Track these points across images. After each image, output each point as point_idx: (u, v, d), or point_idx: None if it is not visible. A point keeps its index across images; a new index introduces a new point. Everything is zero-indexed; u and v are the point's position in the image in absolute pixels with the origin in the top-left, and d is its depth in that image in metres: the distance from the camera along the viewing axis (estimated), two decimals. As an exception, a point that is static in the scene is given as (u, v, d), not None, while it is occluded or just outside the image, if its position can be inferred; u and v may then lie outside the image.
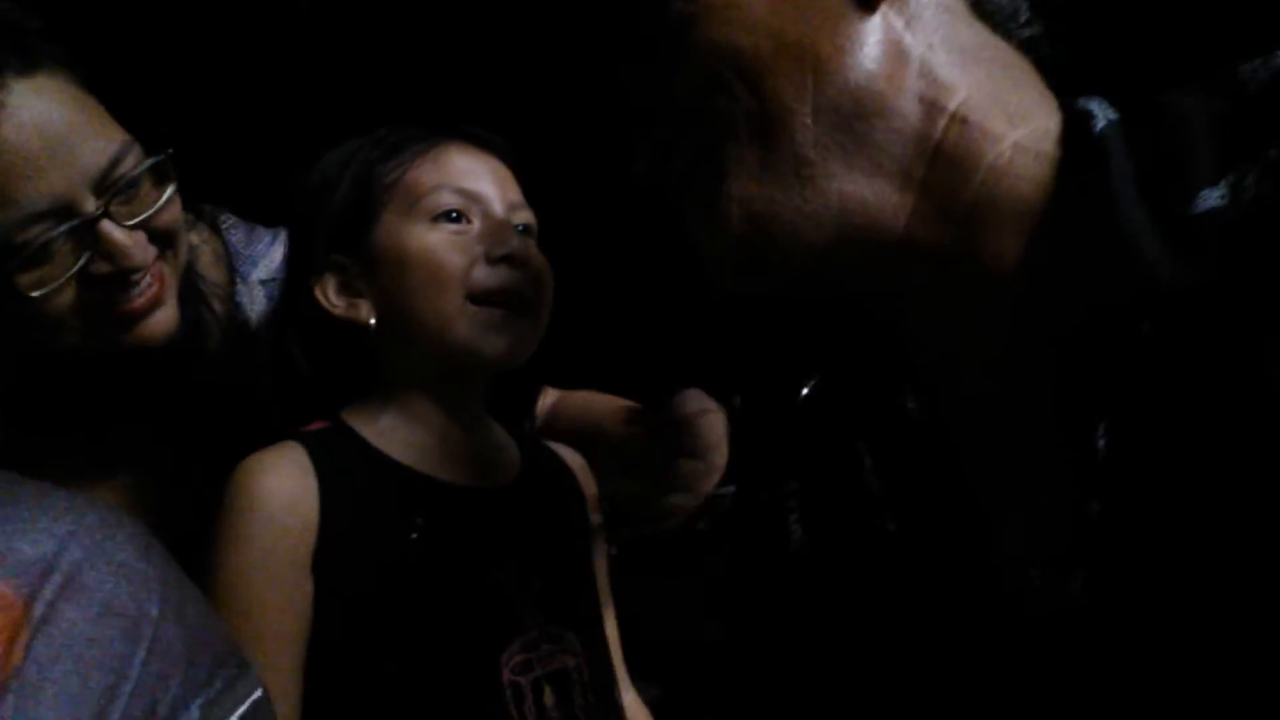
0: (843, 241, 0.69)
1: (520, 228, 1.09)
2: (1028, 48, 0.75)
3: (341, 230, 1.05)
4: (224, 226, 1.30)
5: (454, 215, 1.04)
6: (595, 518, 1.17)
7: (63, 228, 0.96)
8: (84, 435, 1.14)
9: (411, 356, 1.04)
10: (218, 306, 1.24)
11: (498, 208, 1.06)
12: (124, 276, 1.00)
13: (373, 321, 1.03)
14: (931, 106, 0.68)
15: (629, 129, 0.77)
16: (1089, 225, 0.62)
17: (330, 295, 1.05)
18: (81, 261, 0.97)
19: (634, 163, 0.77)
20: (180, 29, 2.54)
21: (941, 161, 0.68)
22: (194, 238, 1.20)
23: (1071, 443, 0.63)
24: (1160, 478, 0.59)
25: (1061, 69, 0.76)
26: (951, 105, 0.68)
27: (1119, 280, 0.60)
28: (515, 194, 1.10)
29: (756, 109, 0.69)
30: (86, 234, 0.97)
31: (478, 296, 1.02)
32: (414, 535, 0.97)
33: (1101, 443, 0.61)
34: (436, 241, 1.02)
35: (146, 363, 1.09)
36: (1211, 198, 0.58)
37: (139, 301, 1.02)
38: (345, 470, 0.98)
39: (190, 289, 1.15)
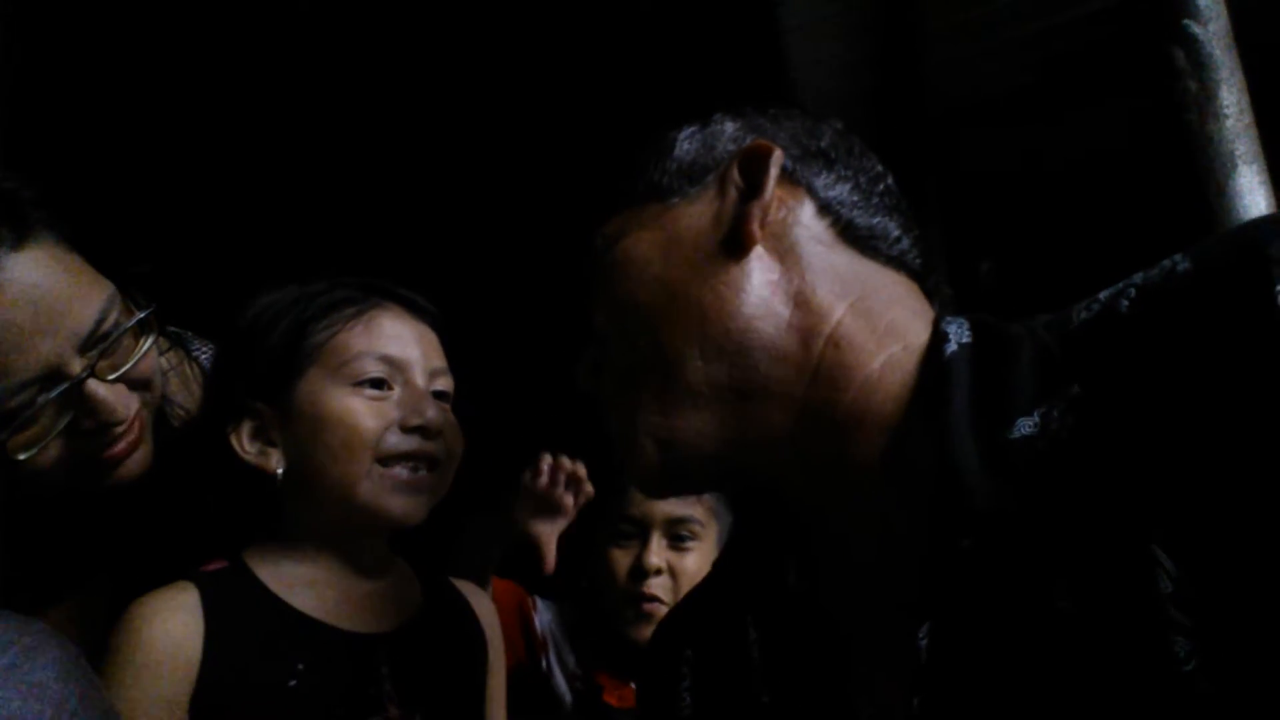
0: (739, 452, 0.78)
1: (438, 393, 1.14)
2: (899, 263, 0.82)
3: (265, 380, 1.10)
4: (203, 354, 1.34)
5: (376, 382, 1.10)
6: (492, 654, 1.21)
7: (51, 393, 0.99)
8: (45, 560, 1.17)
9: (315, 508, 1.10)
10: (182, 429, 1.25)
11: (419, 376, 1.12)
12: (107, 429, 1.04)
13: (280, 471, 1.09)
14: (809, 335, 0.76)
15: (580, 342, 0.88)
16: (931, 442, 0.70)
17: (244, 440, 1.10)
18: (66, 420, 1.01)
19: (575, 372, 0.88)
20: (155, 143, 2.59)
21: (820, 381, 0.76)
22: (163, 362, 1.21)
23: (905, 639, 0.69)
24: (971, 683, 0.65)
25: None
26: (827, 330, 0.76)
27: (946, 495, 0.67)
28: (438, 360, 1.16)
29: (654, 353, 0.78)
30: (73, 394, 1.01)
31: (386, 459, 1.08)
32: (292, 682, 1.02)
33: (923, 643, 0.67)
34: (355, 406, 1.08)
35: (113, 495, 1.12)
36: (1025, 426, 0.66)
37: (119, 447, 1.06)
38: (235, 613, 1.03)
39: (158, 417, 1.18)
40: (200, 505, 1.15)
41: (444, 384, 1.16)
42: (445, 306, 1.20)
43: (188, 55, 2.61)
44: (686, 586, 1.58)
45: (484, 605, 1.23)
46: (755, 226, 0.78)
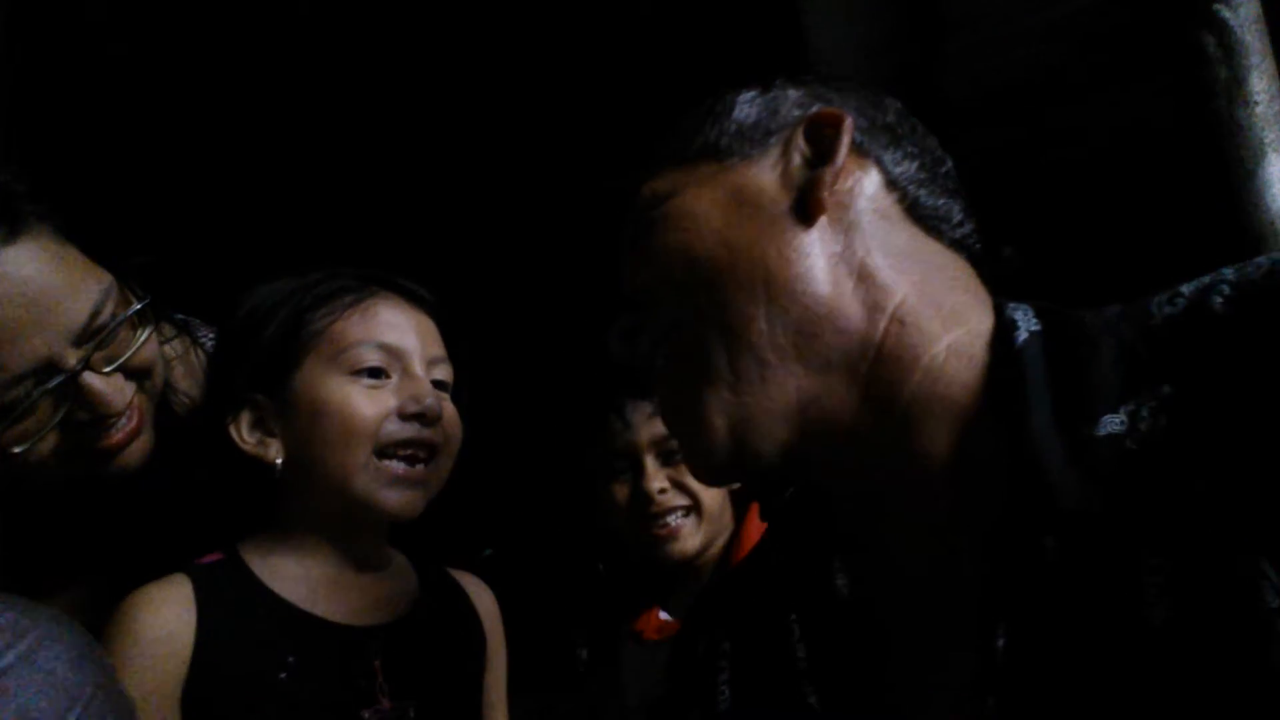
0: (802, 437, 0.75)
1: (437, 382, 1.13)
2: (960, 247, 0.80)
3: (264, 370, 1.09)
4: (210, 341, 1.32)
5: (374, 371, 1.08)
6: (490, 646, 1.20)
7: (46, 385, 0.99)
8: (47, 551, 1.17)
9: (312, 499, 1.09)
10: (186, 416, 1.24)
11: (417, 365, 1.11)
12: (103, 420, 1.04)
13: (279, 462, 1.08)
14: (873, 309, 0.73)
15: (610, 308, 0.86)
16: (1006, 433, 0.67)
17: (243, 431, 1.09)
18: (62, 413, 1.01)
19: (609, 339, 0.85)
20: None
21: (883, 360, 0.73)
22: (168, 350, 1.21)
23: (976, 636, 0.67)
24: (1050, 685, 0.63)
25: (990, 264, 0.79)
26: (891, 307, 0.74)
27: (1027, 491, 0.65)
28: (436, 349, 1.15)
29: (716, 314, 0.75)
30: (68, 387, 1.00)
31: (384, 450, 1.07)
32: (283, 675, 1.01)
33: (1001, 643, 0.65)
34: (352, 395, 1.07)
35: (115, 484, 1.11)
36: (1112, 423, 0.63)
37: (117, 436, 1.06)
38: (229, 606, 1.03)
39: (161, 405, 1.17)
40: (199, 496, 1.14)
41: (443, 373, 1.15)
42: (446, 297, 1.18)
43: (191, 51, 2.60)
44: (698, 488, 1.59)
45: (483, 597, 1.22)
46: (826, 193, 0.75)
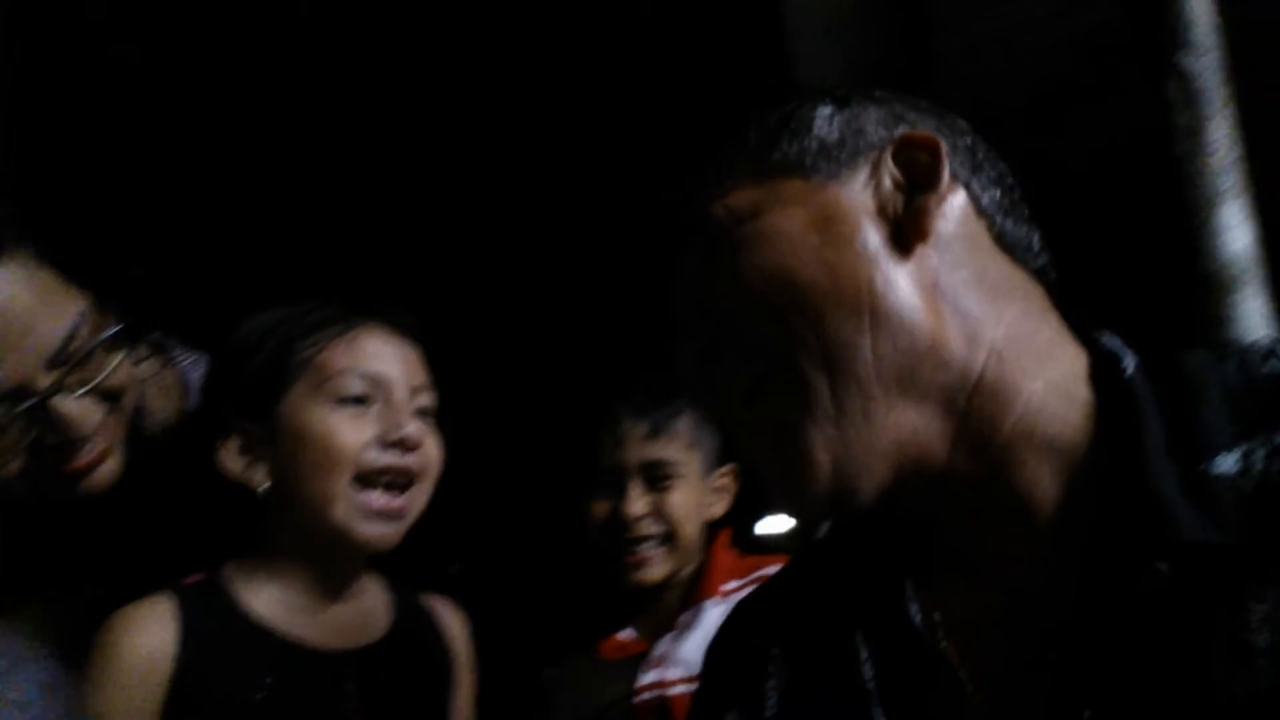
0: (898, 471, 0.72)
1: (419, 409, 1.17)
2: (1039, 275, 0.79)
3: (252, 397, 1.13)
4: (185, 362, 1.34)
5: (357, 399, 1.12)
6: (459, 671, 1.24)
7: (17, 408, 1.01)
8: (28, 565, 1.18)
9: (294, 525, 1.13)
10: (157, 436, 1.26)
11: (400, 392, 1.15)
12: (71, 444, 1.06)
13: (264, 487, 1.12)
14: (972, 341, 0.71)
15: (669, 330, 0.82)
16: (1113, 463, 0.67)
17: (231, 456, 1.13)
18: (32, 435, 1.03)
19: (676, 363, 0.81)
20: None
21: (982, 394, 0.71)
22: (141, 370, 1.21)
23: (1060, 658, 0.67)
24: (1151, 703, 0.63)
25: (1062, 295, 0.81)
26: (988, 339, 0.72)
27: (1138, 519, 0.65)
28: (420, 377, 1.19)
29: (816, 340, 0.71)
30: (38, 410, 1.02)
31: (365, 477, 1.11)
32: (259, 696, 1.05)
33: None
34: (335, 422, 1.11)
35: (89, 505, 1.13)
36: (1226, 463, 0.64)
37: (85, 460, 1.08)
38: (209, 627, 1.07)
39: (132, 425, 1.19)
40: (182, 517, 1.18)
41: (426, 400, 1.18)
42: (436, 315, 1.22)
43: (191, 51, 2.62)
44: (678, 520, 1.56)
45: (454, 622, 1.27)
46: (931, 221, 0.73)
